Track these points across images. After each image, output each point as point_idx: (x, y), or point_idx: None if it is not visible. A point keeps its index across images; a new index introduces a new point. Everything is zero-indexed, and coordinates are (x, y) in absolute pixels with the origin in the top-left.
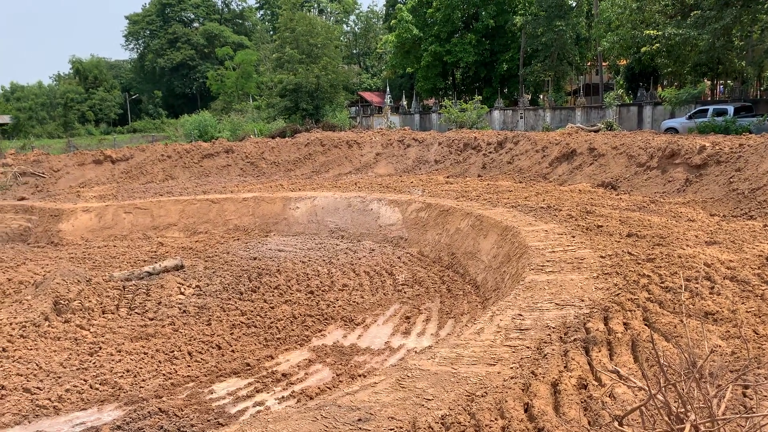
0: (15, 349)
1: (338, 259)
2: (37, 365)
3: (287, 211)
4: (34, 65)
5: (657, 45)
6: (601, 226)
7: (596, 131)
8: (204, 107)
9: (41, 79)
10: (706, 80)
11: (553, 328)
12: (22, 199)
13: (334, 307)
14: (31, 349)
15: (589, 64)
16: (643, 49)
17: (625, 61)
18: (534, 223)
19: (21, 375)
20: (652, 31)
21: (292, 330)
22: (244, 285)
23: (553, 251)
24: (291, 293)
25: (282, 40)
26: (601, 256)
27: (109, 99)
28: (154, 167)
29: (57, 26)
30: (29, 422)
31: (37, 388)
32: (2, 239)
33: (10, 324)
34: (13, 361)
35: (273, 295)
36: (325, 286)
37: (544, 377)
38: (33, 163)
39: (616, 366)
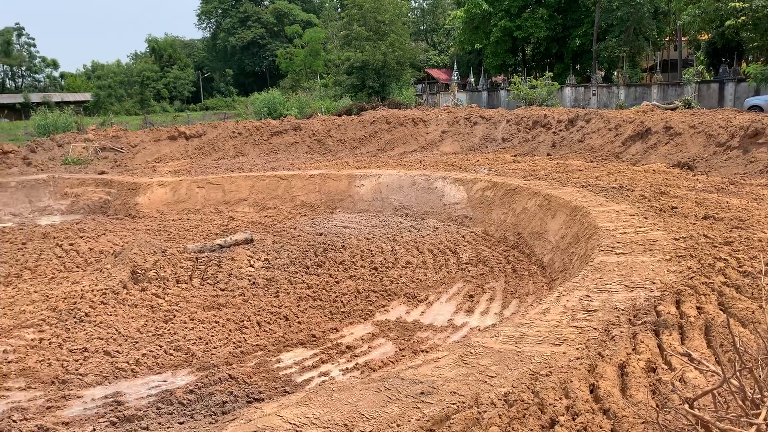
0: (96, 315)
1: (402, 237)
2: (116, 330)
3: (352, 188)
4: (113, 44)
5: (743, 18)
6: (676, 208)
7: (673, 109)
8: (273, 85)
9: (120, 57)
10: None
11: (622, 310)
12: (102, 173)
13: (398, 283)
14: (111, 315)
15: (667, 39)
16: (727, 23)
17: (706, 36)
18: (605, 204)
19: (102, 339)
20: (737, 3)
21: (356, 304)
22: (310, 259)
23: (624, 232)
24: (355, 269)
25: (349, 18)
26: (675, 239)
27: (182, 77)
28: (226, 144)
29: (135, 6)
30: (109, 383)
31: (117, 351)
32: (84, 211)
33: (92, 291)
34: (95, 326)
35: (338, 270)
36: (389, 263)
37: (611, 359)
38: (112, 138)
39: (688, 350)
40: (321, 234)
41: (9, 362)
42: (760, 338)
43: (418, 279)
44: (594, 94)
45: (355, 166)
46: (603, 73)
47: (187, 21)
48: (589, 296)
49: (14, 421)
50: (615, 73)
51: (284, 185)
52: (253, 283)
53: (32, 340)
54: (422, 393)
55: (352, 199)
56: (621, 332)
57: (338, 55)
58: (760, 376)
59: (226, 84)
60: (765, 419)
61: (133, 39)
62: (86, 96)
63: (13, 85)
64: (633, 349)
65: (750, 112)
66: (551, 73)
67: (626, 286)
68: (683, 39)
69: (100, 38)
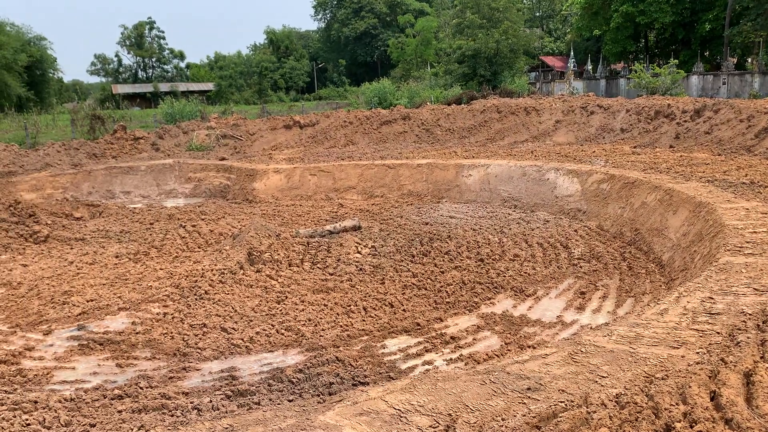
0: (215, 293)
1: (510, 229)
2: (232, 308)
3: (460, 178)
4: (234, 36)
5: None
6: None
7: None
8: (384, 75)
9: (240, 49)
10: None
11: (750, 314)
12: (223, 159)
13: (504, 276)
14: (228, 294)
15: None
16: None
17: None
18: (733, 200)
19: (219, 316)
20: None
21: (461, 295)
22: (416, 248)
23: (755, 232)
24: (461, 259)
25: (462, 5)
26: None
27: (298, 68)
28: (337, 133)
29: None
30: (225, 358)
31: (233, 328)
32: (206, 194)
33: (212, 270)
34: (214, 303)
35: (443, 260)
36: (496, 255)
37: (735, 366)
38: (232, 126)
39: None
40: (427, 223)
41: (137, 333)
42: None
43: (526, 273)
44: (724, 83)
45: (463, 156)
46: (735, 60)
47: (304, 13)
48: (712, 298)
49: (141, 388)
50: (749, 60)
51: (392, 174)
52: (360, 269)
53: (157, 314)
54: (529, 389)
55: (459, 189)
56: (748, 338)
57: (449, 43)
58: None
59: (338, 74)
60: None
61: (253, 31)
62: (209, 86)
63: (145, 75)
64: (761, 357)
65: None
66: (676, 61)
67: (755, 289)
68: None
69: (222, 30)
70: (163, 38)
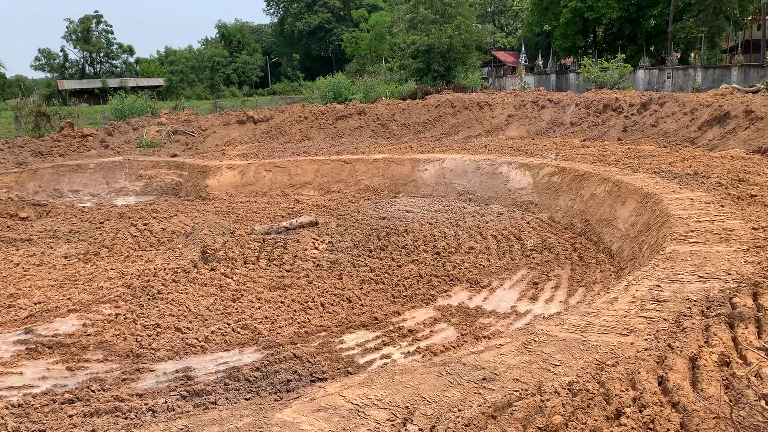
0: (168, 292)
1: (465, 222)
2: (187, 307)
3: (416, 172)
4: (185, 30)
5: None
6: (755, 196)
7: (755, 92)
8: (339, 69)
9: (191, 43)
10: None
11: (695, 301)
12: (174, 155)
13: (460, 268)
14: (182, 293)
15: (749, 18)
16: None
17: None
18: (678, 191)
19: (173, 315)
20: None
21: (419, 288)
22: (374, 243)
23: (699, 221)
24: (418, 253)
25: (416, 0)
26: (754, 228)
27: (251, 62)
28: (292, 128)
29: None
30: (180, 358)
31: (187, 328)
32: (157, 192)
33: (164, 269)
34: (167, 303)
35: (400, 254)
36: (452, 248)
37: (681, 351)
38: (184, 122)
39: (765, 344)
40: (384, 218)
41: (88, 335)
42: None
43: (481, 265)
44: (669, 77)
45: (418, 151)
46: (679, 55)
47: (256, 7)
48: (659, 286)
49: (93, 391)
50: (692, 55)
51: (348, 169)
52: (318, 265)
53: (109, 315)
54: (484, 379)
55: (416, 184)
56: (693, 324)
57: (403, 38)
58: None
59: (292, 69)
60: None
61: (204, 25)
62: (159, 81)
63: (92, 70)
64: (705, 342)
65: None
66: (623, 55)
67: (699, 276)
68: (767, 18)
69: (173, 24)
70: (111, 32)
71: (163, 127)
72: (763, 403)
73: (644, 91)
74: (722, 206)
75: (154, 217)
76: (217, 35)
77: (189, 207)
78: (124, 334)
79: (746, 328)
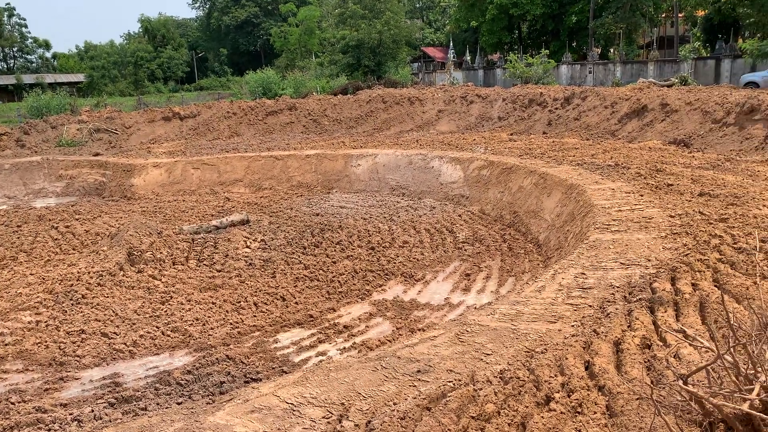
0: (93, 297)
1: (399, 216)
2: (113, 312)
3: (349, 168)
4: (106, 24)
5: None
6: (672, 185)
7: (669, 86)
8: (268, 64)
9: (113, 38)
10: None
11: (617, 287)
12: (97, 154)
13: (395, 263)
14: (108, 297)
15: (663, 15)
16: None
17: (702, 12)
18: (600, 182)
19: (99, 320)
20: None
21: (354, 284)
22: (307, 240)
23: (620, 210)
24: (352, 249)
25: None
26: (671, 216)
27: (176, 57)
28: (220, 124)
29: None
30: (107, 364)
31: (114, 333)
32: (79, 193)
33: (89, 273)
34: (92, 308)
35: (335, 251)
36: (386, 243)
37: (606, 336)
38: (106, 119)
39: (682, 327)
40: (318, 214)
41: (6, 345)
42: (754, 314)
43: (415, 258)
44: (590, 72)
45: (351, 146)
46: (599, 51)
47: (181, 1)
48: (584, 274)
49: (12, 404)
50: (611, 50)
51: (280, 165)
52: (250, 264)
53: (29, 322)
54: (419, 371)
55: (349, 179)
56: (616, 309)
57: (333, 33)
58: (753, 352)
59: (220, 64)
60: (758, 395)
61: (126, 19)
62: (79, 77)
63: (5, 66)
64: (628, 326)
65: (746, 88)
66: (547, 51)
67: (621, 263)
68: (680, 15)
69: (92, 19)
70: (25, 26)
71: (84, 125)
72: (681, 383)
73: (567, 86)
74: (641, 195)
75: (77, 219)
76: (140, 30)
77: (114, 207)
78: (46, 341)
79: (665, 312)
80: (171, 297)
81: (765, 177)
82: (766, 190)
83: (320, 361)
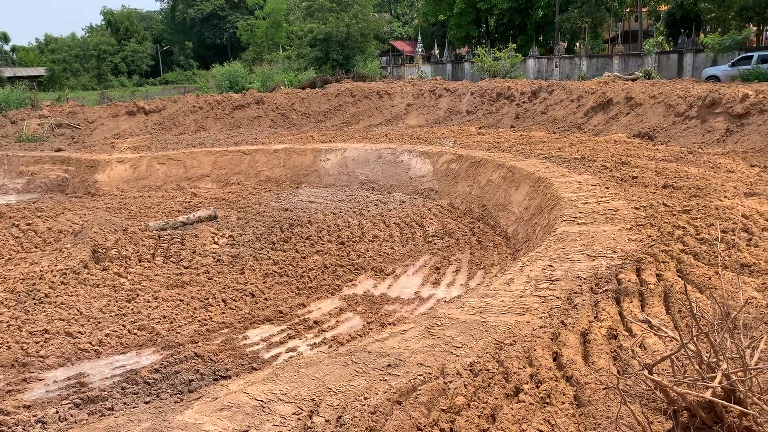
0: (57, 295)
1: (369, 211)
2: (78, 311)
3: (318, 162)
4: (67, 17)
5: None
6: (637, 177)
7: (634, 80)
8: (235, 58)
9: (74, 30)
10: (751, 26)
11: (584, 278)
12: (59, 150)
13: (365, 257)
14: (72, 296)
15: (628, 10)
16: None
17: (665, 7)
18: (567, 175)
19: (63, 320)
20: None
21: (324, 279)
22: (276, 235)
23: (586, 202)
24: (322, 244)
25: None
26: (636, 208)
27: (141, 50)
28: (186, 118)
29: None
30: (72, 364)
31: (79, 332)
32: (41, 189)
33: (51, 271)
34: (56, 307)
35: (305, 246)
36: (356, 237)
37: (573, 327)
38: (68, 114)
39: (647, 317)
40: (287, 209)
41: None
42: (716, 303)
43: (385, 252)
44: (557, 66)
45: (320, 140)
46: (565, 45)
47: None
48: (551, 266)
49: None
50: (577, 45)
51: (248, 160)
52: (218, 260)
53: None
54: (389, 365)
55: (318, 174)
56: (583, 300)
57: (301, 26)
58: (715, 341)
59: (186, 57)
60: (720, 383)
61: (88, 11)
62: (40, 71)
63: None
64: (595, 317)
65: (708, 82)
66: (514, 45)
67: (588, 255)
68: (644, 10)
69: (53, 11)
70: None
71: (46, 119)
72: (645, 372)
73: (534, 80)
74: (607, 188)
75: (39, 216)
76: (103, 22)
77: (77, 204)
78: (8, 342)
79: (631, 302)
80: (137, 295)
81: (726, 169)
82: (727, 181)
83: (290, 357)
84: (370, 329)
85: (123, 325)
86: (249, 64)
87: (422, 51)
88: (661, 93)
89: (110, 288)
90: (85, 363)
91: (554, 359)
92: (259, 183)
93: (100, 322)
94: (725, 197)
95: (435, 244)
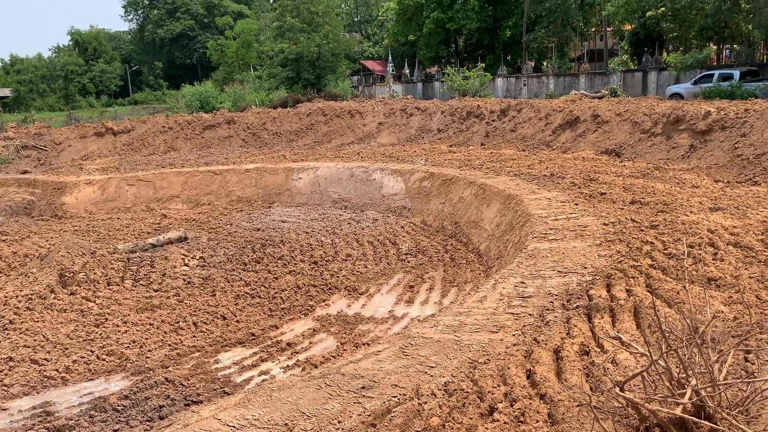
0: (22, 322)
1: (342, 230)
2: (44, 337)
3: (290, 181)
4: (33, 37)
5: (662, 9)
6: (605, 194)
7: (600, 98)
8: (205, 78)
9: (41, 51)
10: (711, 45)
11: (556, 295)
12: (25, 172)
13: (338, 277)
14: (38, 321)
15: (593, 29)
16: (648, 13)
17: (629, 26)
18: (537, 191)
19: (28, 347)
20: None
21: (297, 300)
22: (248, 256)
23: (556, 219)
24: (295, 264)
25: (282, 9)
26: (604, 224)
27: (109, 71)
28: (156, 139)
29: None
30: (37, 392)
31: (45, 359)
32: (6, 213)
33: (16, 297)
34: (20, 333)
35: (277, 266)
36: (329, 257)
37: (546, 344)
38: (35, 136)
39: (618, 332)
40: (258, 229)
41: None
42: (685, 318)
43: (358, 271)
44: (525, 84)
45: (292, 159)
46: (533, 64)
47: (113, 13)
48: (524, 282)
49: None
50: (544, 64)
51: (219, 180)
52: (189, 282)
53: None
54: (363, 387)
55: (290, 193)
56: (555, 317)
57: (271, 46)
58: (684, 357)
59: (155, 77)
60: (690, 399)
61: (55, 32)
62: (5, 92)
63: None
64: (567, 334)
65: (671, 99)
66: (483, 64)
67: (559, 271)
68: (608, 29)
69: (18, 31)
70: None
71: (11, 141)
72: (617, 390)
73: (503, 99)
74: (576, 204)
75: (3, 240)
76: (71, 43)
77: (43, 227)
78: None
79: (602, 318)
80: (106, 319)
81: (691, 184)
82: (693, 197)
83: (263, 381)
84: (344, 350)
85: (91, 351)
86: (220, 84)
87: (393, 70)
88: (627, 110)
89: (78, 313)
90: (52, 391)
91: (528, 377)
92: (231, 203)
93: (67, 348)
94: (691, 212)
95: (408, 262)
